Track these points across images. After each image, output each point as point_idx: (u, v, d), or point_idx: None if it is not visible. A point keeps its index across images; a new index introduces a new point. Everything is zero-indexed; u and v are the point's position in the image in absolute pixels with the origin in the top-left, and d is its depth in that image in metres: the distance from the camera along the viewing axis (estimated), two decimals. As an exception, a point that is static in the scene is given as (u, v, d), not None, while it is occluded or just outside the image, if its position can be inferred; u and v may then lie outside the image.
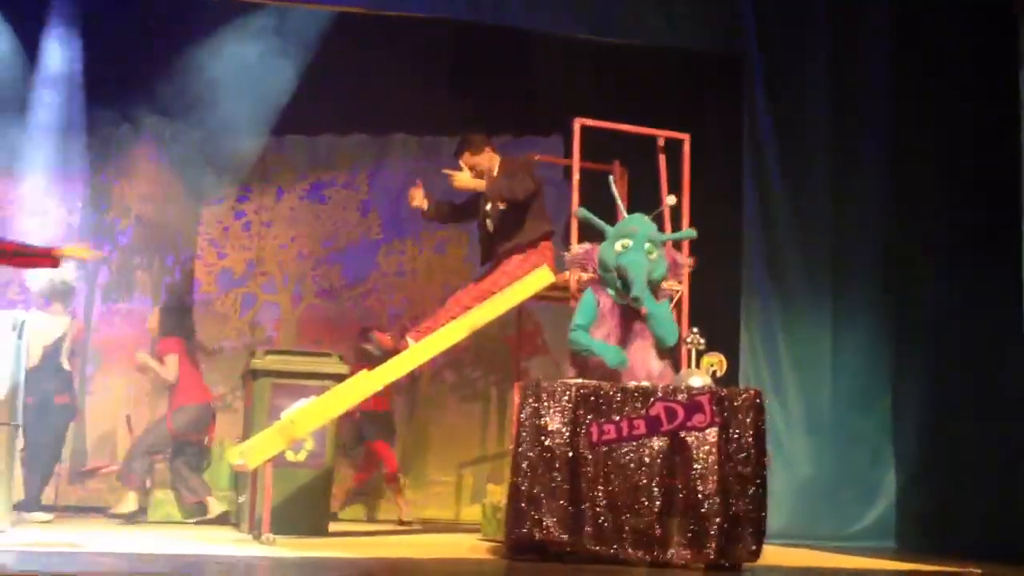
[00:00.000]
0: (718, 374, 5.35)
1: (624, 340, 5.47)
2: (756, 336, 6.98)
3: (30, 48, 8.01)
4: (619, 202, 5.87)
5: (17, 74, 8.03)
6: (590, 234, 5.75)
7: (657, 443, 5.03)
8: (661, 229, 5.81)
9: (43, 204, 8.47)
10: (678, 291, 5.94)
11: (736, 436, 5.04)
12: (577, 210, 5.88)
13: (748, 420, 5.07)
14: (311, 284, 8.78)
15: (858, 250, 7.10)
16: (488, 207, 6.47)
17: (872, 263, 7.10)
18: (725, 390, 5.17)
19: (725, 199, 7.08)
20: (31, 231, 8.34)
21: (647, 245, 5.44)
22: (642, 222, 5.57)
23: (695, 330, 5.43)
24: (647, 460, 5.02)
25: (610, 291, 5.49)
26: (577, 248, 5.74)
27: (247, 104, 8.11)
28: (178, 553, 5.08)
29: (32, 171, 8.45)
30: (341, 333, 8.41)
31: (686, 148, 6.46)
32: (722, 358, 5.40)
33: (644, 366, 5.42)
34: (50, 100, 8.17)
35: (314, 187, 8.96)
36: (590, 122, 6.35)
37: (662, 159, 6.51)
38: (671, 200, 5.99)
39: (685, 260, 5.79)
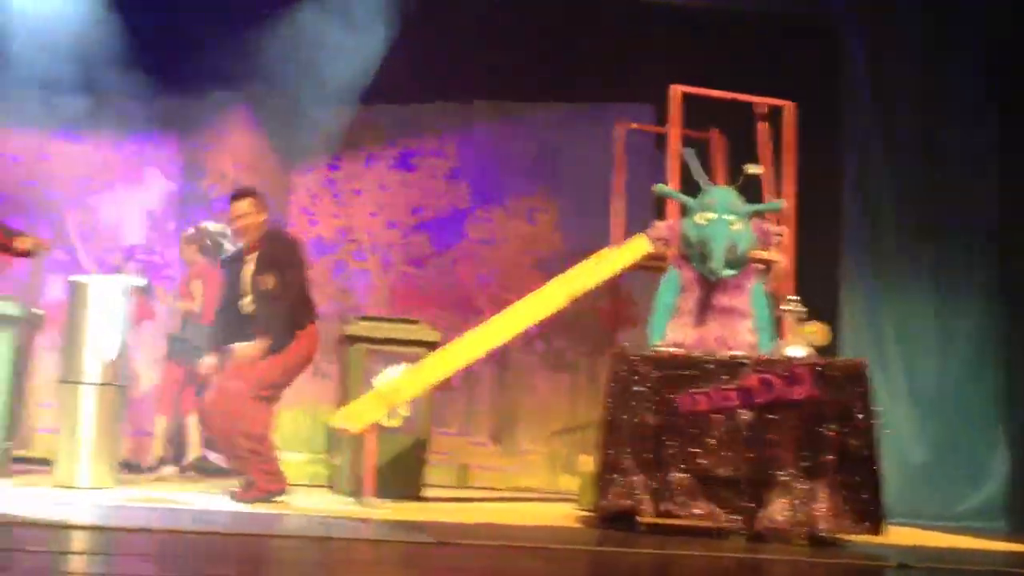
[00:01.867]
0: (819, 344, 5.27)
1: (706, 315, 5.42)
2: (857, 307, 6.89)
3: (125, 10, 8.09)
4: (700, 176, 5.79)
5: (112, 37, 8.12)
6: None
7: (751, 414, 4.99)
8: (755, 200, 5.72)
9: (141, 171, 8.66)
10: (780, 260, 5.87)
11: (838, 408, 4.96)
12: (656, 186, 5.81)
13: (853, 392, 4.98)
14: (400, 252, 8.86)
15: (964, 217, 6.93)
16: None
17: (980, 230, 6.92)
18: (826, 360, 5.10)
19: (824, 167, 6.96)
20: (131, 198, 8.57)
21: (729, 217, 5.37)
22: (724, 194, 5.50)
23: (795, 298, 5.35)
24: (739, 431, 4.98)
25: (694, 265, 5.44)
26: (660, 224, 5.70)
27: (337, 72, 8.17)
28: (289, 513, 5.19)
29: (130, 138, 8.63)
30: (430, 301, 8.49)
31: (788, 116, 6.36)
32: (824, 327, 5.30)
33: (734, 338, 5.37)
34: (144, 64, 8.28)
35: (402, 155, 9.02)
36: (690, 89, 6.28)
37: (762, 127, 6.43)
38: (754, 169, 5.88)
39: (775, 230, 5.70)
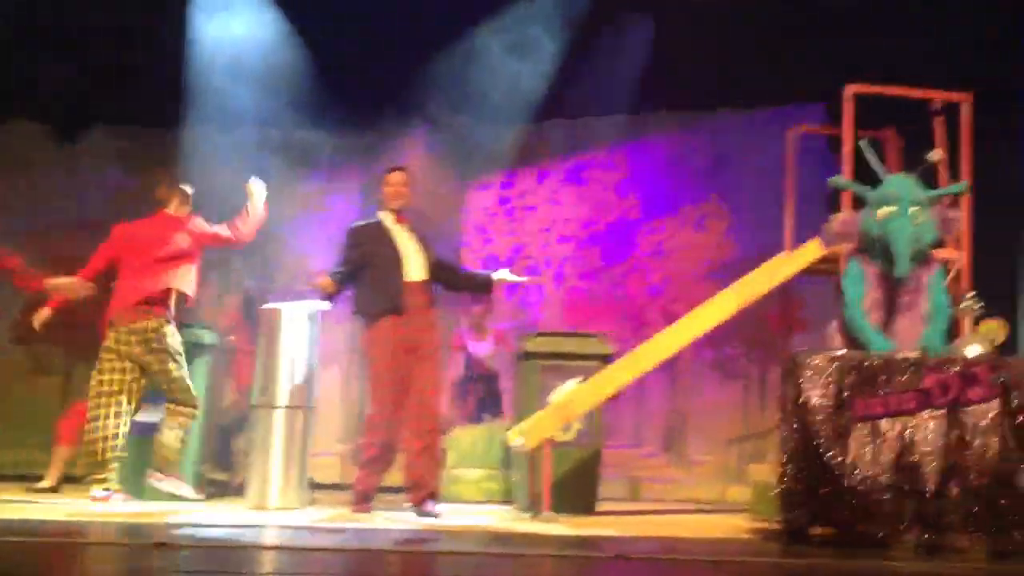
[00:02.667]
0: (998, 341, 5.03)
1: (890, 312, 5.24)
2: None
3: (307, 47, 8.46)
4: (878, 167, 5.61)
5: (297, 74, 8.49)
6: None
7: (930, 418, 4.80)
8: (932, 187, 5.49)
9: (327, 201, 9.05)
10: (959, 258, 5.64)
11: (1019, 410, 4.74)
12: (832, 178, 5.64)
13: (1032, 392, 4.74)
14: (572, 265, 8.95)
15: None
16: None
17: None
18: (1005, 360, 4.86)
19: (1005, 160, 6.64)
20: (316, 227, 8.96)
21: (912, 209, 5.17)
22: (904, 184, 5.28)
23: (972, 294, 5.12)
24: (918, 437, 4.80)
25: (877, 261, 5.27)
26: (837, 217, 5.54)
27: (508, 91, 8.34)
28: (470, 529, 5.35)
29: (315, 170, 9.04)
30: (603, 314, 8.55)
31: (965, 110, 6.10)
32: (1003, 323, 5.05)
33: (913, 340, 5.20)
34: (327, 99, 8.62)
35: (574, 169, 9.13)
36: (863, 88, 6.12)
37: (938, 122, 6.19)
38: (936, 155, 5.63)
39: (956, 215, 5.44)
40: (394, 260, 5.98)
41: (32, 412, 8.84)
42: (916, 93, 6.27)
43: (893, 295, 5.23)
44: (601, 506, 6.53)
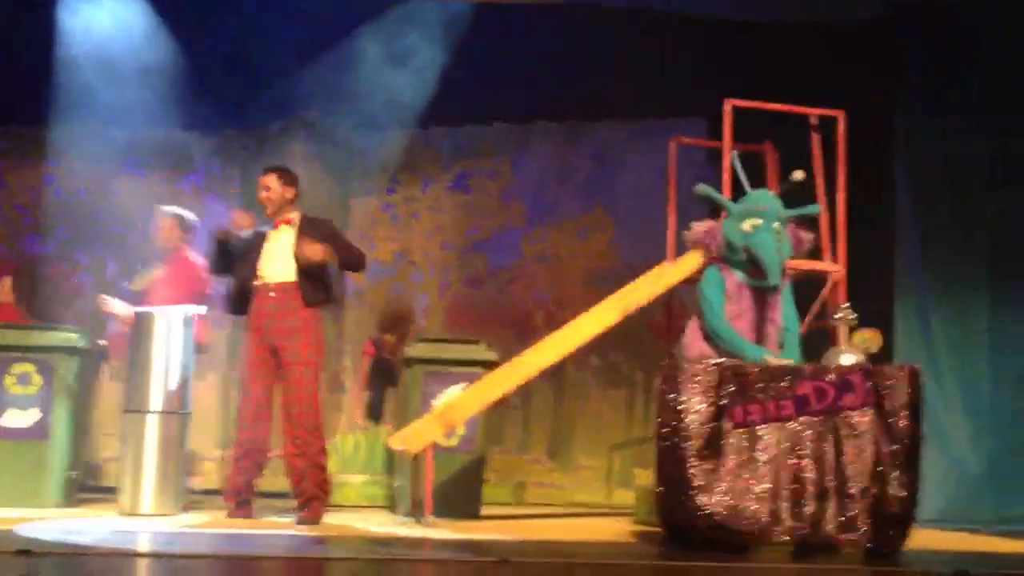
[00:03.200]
0: (871, 351, 5.21)
1: (757, 322, 5.40)
2: (911, 314, 6.81)
3: (185, 44, 8.24)
4: (743, 179, 5.78)
5: (174, 72, 8.27)
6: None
7: (806, 424, 4.92)
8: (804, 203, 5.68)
9: (200, 203, 8.82)
10: (836, 270, 5.83)
11: (891, 416, 4.89)
12: (698, 187, 5.76)
13: (904, 399, 4.91)
14: (457, 273, 8.92)
15: (1019, 223, 6.84)
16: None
17: (1033, 235, 6.84)
18: (878, 368, 5.03)
19: (877, 175, 6.89)
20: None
21: (775, 224, 5.34)
22: (771, 200, 5.47)
23: (846, 305, 5.30)
24: (795, 442, 4.91)
25: (737, 272, 5.41)
26: (698, 226, 5.67)
27: (393, 97, 8.27)
28: (351, 535, 5.26)
29: (190, 170, 8.82)
30: (487, 321, 8.54)
31: (840, 126, 6.32)
32: (876, 333, 5.25)
33: (774, 350, 5.37)
34: (205, 97, 8.42)
35: (459, 177, 9.10)
36: (741, 103, 6.27)
37: (816, 138, 6.39)
38: (798, 175, 5.81)
39: (808, 236, 5.64)
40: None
41: None
42: (792, 108, 6.46)
43: (757, 305, 5.38)
44: (485, 511, 6.52)
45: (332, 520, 5.86)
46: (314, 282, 5.90)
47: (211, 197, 8.89)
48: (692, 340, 5.56)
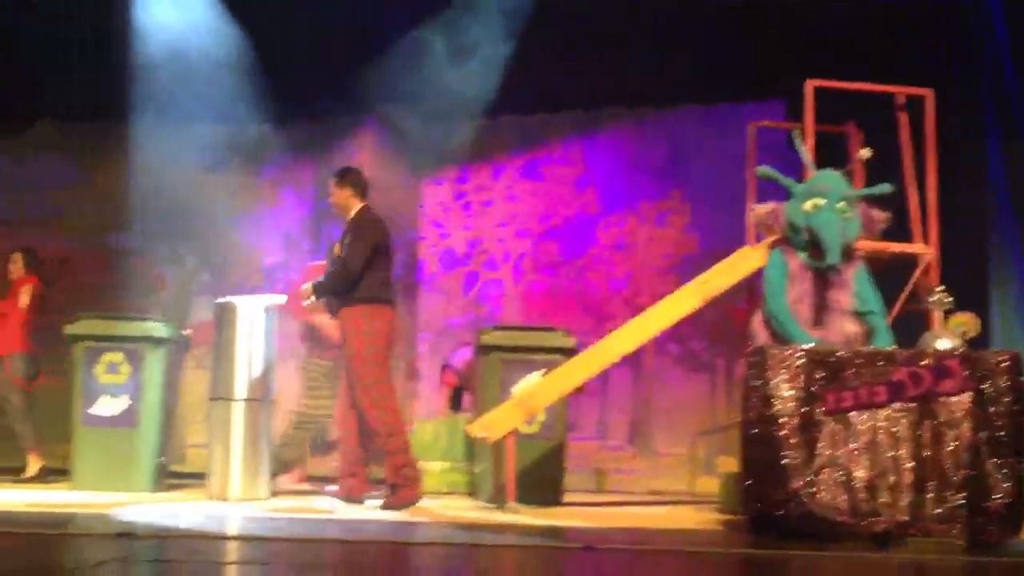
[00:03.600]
0: (969, 335, 5.08)
1: (818, 305, 5.30)
2: (1008, 298, 6.62)
3: (254, 34, 8.32)
4: (807, 159, 5.66)
5: (247, 67, 8.37)
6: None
7: (901, 411, 4.80)
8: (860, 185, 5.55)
9: (276, 195, 8.92)
10: (927, 252, 5.69)
11: (992, 403, 4.74)
12: (760, 168, 5.67)
13: (1006, 385, 4.76)
14: (531, 261, 8.91)
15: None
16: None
17: None
18: (978, 353, 4.89)
19: (968, 155, 6.72)
20: (267, 221, 8.85)
21: (840, 204, 5.23)
22: (835, 180, 5.37)
23: (940, 289, 5.17)
24: (890, 429, 4.79)
25: (800, 254, 5.31)
26: (762, 207, 5.57)
27: (463, 87, 8.28)
28: (435, 521, 5.26)
29: (266, 163, 8.92)
30: (563, 308, 8.52)
31: (928, 105, 6.16)
32: (973, 317, 5.12)
33: (840, 332, 5.24)
34: (279, 92, 8.51)
35: (530, 164, 9.09)
36: (824, 83, 6.15)
37: (902, 118, 6.24)
38: (864, 153, 5.70)
39: (880, 215, 5.51)
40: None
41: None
42: (876, 87, 6.31)
43: (819, 288, 5.28)
44: (566, 498, 6.49)
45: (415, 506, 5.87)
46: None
47: (286, 189, 9.00)
48: (759, 328, 5.49)
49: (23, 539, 4.04)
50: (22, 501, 5.61)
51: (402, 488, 5.78)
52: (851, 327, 5.30)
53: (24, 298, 7.23)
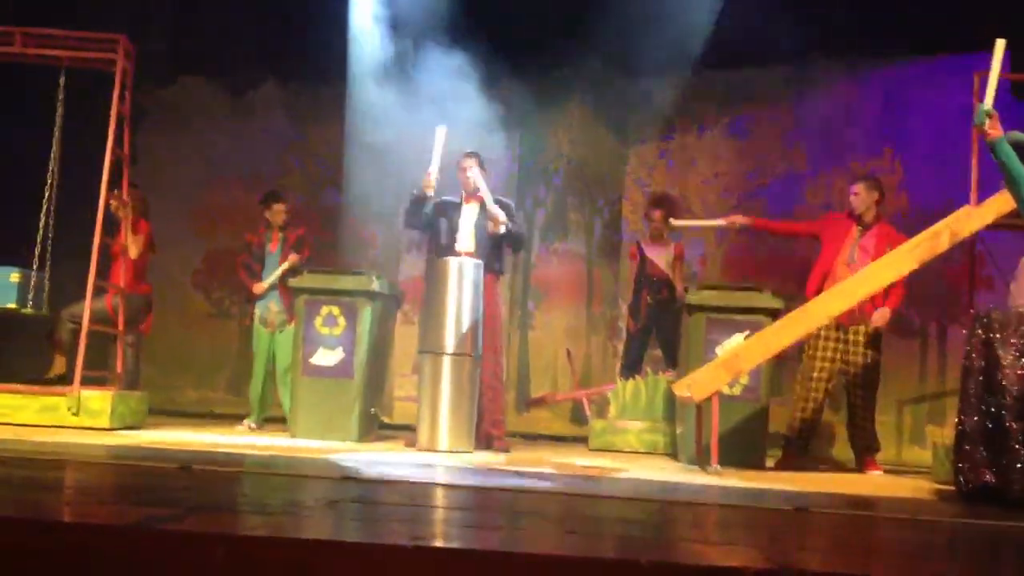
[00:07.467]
0: None
1: None
2: None
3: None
4: None
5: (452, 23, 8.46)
6: None
7: None
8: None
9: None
10: None
11: None
12: (1011, 133, 5.34)
13: None
14: (736, 219, 8.74)
15: None
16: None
17: None
18: None
19: None
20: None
21: None
22: None
23: None
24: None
25: None
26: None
27: (667, 44, 8.17)
28: (641, 479, 5.32)
29: (468, 124, 9.05)
30: (766, 269, 8.35)
31: None
32: None
33: None
34: (483, 49, 8.57)
35: (735, 121, 8.92)
36: (1055, 31, 5.77)
37: None
38: None
39: None
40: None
41: (212, 355, 9.25)
42: (1117, 36, 5.87)
43: None
44: (769, 462, 6.41)
45: (617, 463, 5.92)
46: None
47: (491, 146, 9.10)
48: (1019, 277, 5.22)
49: (264, 479, 4.32)
50: (246, 444, 5.98)
51: (492, 439, 6.54)
52: None
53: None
